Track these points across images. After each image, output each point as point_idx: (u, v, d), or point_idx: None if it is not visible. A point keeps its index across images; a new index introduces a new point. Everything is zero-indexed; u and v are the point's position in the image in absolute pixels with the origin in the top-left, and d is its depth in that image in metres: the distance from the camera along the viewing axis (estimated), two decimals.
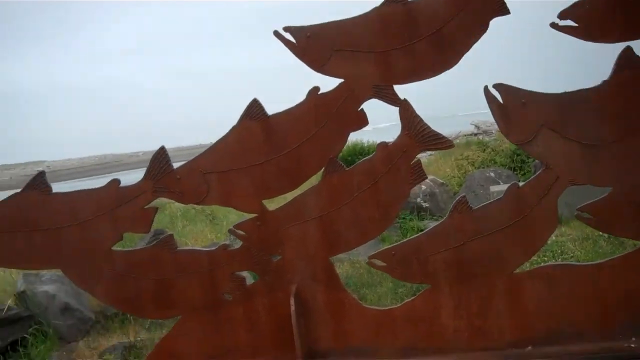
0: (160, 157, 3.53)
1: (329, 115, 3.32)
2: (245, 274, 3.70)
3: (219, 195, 3.49)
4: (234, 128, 3.42)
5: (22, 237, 3.65)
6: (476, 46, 3.25)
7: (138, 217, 3.56)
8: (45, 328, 6.39)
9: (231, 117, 3.47)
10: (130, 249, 3.94)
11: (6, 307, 6.45)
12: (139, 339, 5.99)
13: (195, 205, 14.92)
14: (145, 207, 3.56)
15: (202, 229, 12.05)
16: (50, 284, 6.70)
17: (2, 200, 3.76)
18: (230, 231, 3.60)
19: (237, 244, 3.57)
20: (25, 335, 6.33)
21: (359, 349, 3.44)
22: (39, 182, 3.64)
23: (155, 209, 3.62)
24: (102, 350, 6.01)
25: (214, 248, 3.64)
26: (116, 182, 3.62)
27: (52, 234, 3.63)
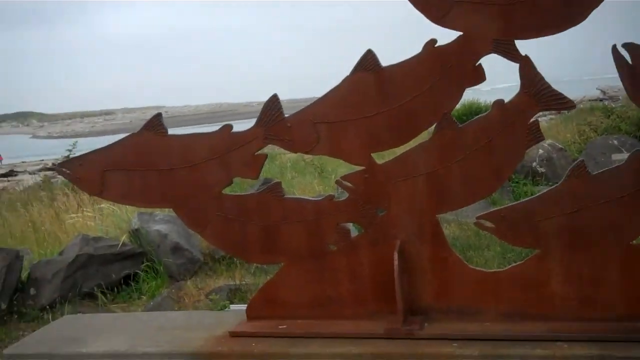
0: (272, 104, 3.56)
1: (445, 69, 3.24)
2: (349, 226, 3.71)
3: (328, 145, 3.50)
4: (346, 79, 3.40)
5: (138, 176, 3.81)
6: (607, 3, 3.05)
7: (249, 163, 3.63)
8: (156, 265, 6.68)
9: (345, 71, 3.45)
10: (239, 193, 4.04)
11: (121, 243, 6.78)
12: (244, 282, 6.16)
13: (304, 157, 15.16)
14: (256, 153, 3.62)
15: (310, 181, 12.21)
16: (162, 223, 6.98)
17: (120, 140, 3.93)
18: (337, 182, 3.61)
19: (344, 197, 3.58)
20: (138, 271, 6.64)
21: (461, 309, 3.40)
22: (155, 123, 3.76)
23: (265, 156, 3.67)
24: (209, 290, 6.24)
25: (320, 198, 3.68)
26: (229, 127, 3.69)
27: (166, 175, 3.76)
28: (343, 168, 13.29)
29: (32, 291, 6.41)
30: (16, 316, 6.19)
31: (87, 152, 4.03)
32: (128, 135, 3.91)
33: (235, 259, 6.75)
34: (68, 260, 6.47)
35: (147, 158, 3.79)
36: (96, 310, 6.19)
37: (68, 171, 3.97)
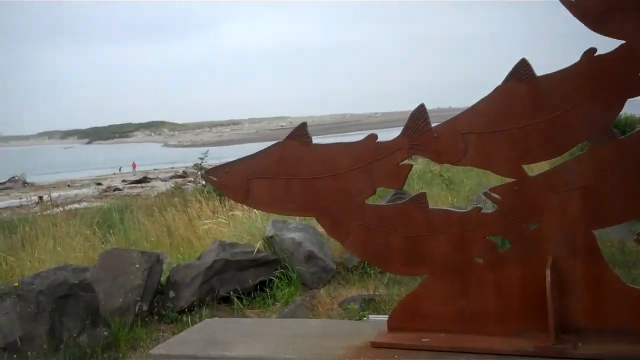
0: (419, 114, 3.55)
1: (605, 79, 3.11)
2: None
3: (478, 156, 3.44)
4: (498, 88, 3.34)
5: (282, 184, 3.89)
6: None
7: (393, 173, 3.62)
8: (289, 273, 6.79)
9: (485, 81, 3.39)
10: (381, 204, 4.04)
11: (256, 250, 6.94)
12: (377, 293, 6.15)
13: (431, 168, 15.02)
14: (401, 163, 3.61)
15: (437, 192, 12.07)
16: (296, 231, 7.10)
17: (265, 148, 4.03)
18: (485, 194, 3.55)
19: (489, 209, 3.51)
20: (272, 278, 6.77)
21: (617, 329, 3.24)
22: (300, 132, 3.84)
23: (410, 166, 3.67)
24: (342, 300, 6.27)
25: (466, 210, 3.62)
26: (373, 137, 3.70)
27: (309, 183, 3.82)
28: (472, 181, 13.08)
29: (171, 294, 6.67)
30: (156, 317, 6.45)
31: (233, 160, 4.16)
32: (273, 144, 4.00)
33: (368, 269, 6.77)
34: (206, 265, 6.69)
35: (291, 166, 3.86)
36: (232, 314, 6.36)
37: (215, 178, 4.12)
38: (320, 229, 7.46)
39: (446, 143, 3.49)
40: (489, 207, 3.74)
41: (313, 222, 7.62)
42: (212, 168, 4.25)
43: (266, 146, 3.97)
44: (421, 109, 3.54)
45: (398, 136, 3.61)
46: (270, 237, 7.12)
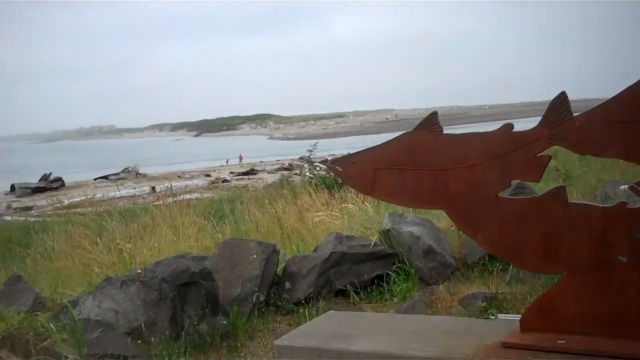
0: (560, 103, 3.40)
1: None
2: None
3: (623, 148, 3.30)
4: None
5: (410, 175, 3.82)
6: None
7: (531, 165, 3.50)
8: (407, 267, 6.69)
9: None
10: (516, 197, 3.90)
11: (372, 243, 6.88)
12: (499, 291, 5.97)
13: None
14: (538, 154, 3.47)
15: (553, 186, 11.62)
16: (414, 225, 7.00)
17: (393, 138, 3.98)
18: (631, 189, 3.36)
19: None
20: (389, 272, 6.70)
21: None
22: (431, 122, 3.76)
23: (549, 157, 3.53)
24: (462, 297, 6.13)
25: (609, 205, 3.44)
26: (509, 126, 3.58)
27: (440, 175, 3.74)
28: (590, 174, 12.54)
29: (287, 285, 6.70)
30: (273, 308, 6.50)
31: (359, 150, 4.12)
32: (402, 134, 3.94)
33: (489, 266, 6.59)
34: (323, 257, 6.68)
35: (421, 157, 3.79)
36: (348, 308, 6.33)
37: (340, 169, 4.09)
38: (439, 223, 7.35)
39: (588, 133, 3.33)
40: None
41: (430, 215, 7.51)
42: (338, 158, 4.23)
43: (383, 138, 3.91)
44: (562, 97, 3.40)
45: (536, 126, 3.48)
46: (387, 230, 7.04)
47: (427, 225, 7.03)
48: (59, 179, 46.55)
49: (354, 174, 4.04)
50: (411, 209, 7.27)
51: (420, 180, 3.79)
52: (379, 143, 4.05)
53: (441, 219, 7.42)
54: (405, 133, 3.90)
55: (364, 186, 4.06)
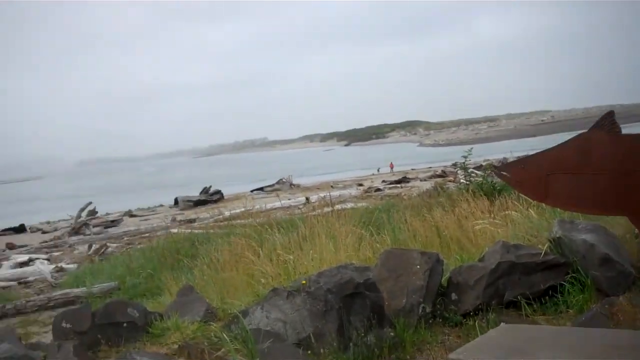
0: None
1: None
2: None
3: None
4: None
5: (587, 180, 3.63)
6: None
7: None
8: (581, 277, 6.38)
9: None
10: None
11: (543, 252, 6.63)
12: None
13: None
14: None
15: None
16: (587, 232, 6.66)
17: (566, 140, 3.81)
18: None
19: None
20: (562, 282, 6.42)
21: None
22: (608, 121, 3.57)
23: None
24: None
25: None
26: None
27: (621, 179, 3.53)
28: None
29: (454, 296, 6.59)
30: (439, 320, 6.41)
31: (528, 154, 3.97)
32: (575, 136, 3.77)
33: None
34: (490, 267, 6.51)
35: (598, 160, 3.60)
36: (520, 320, 6.11)
37: (508, 175, 3.96)
38: (612, 230, 6.95)
39: None
40: None
41: (603, 222, 7.11)
42: (505, 164, 4.12)
43: (541, 142, 3.76)
44: None
45: None
46: (557, 238, 6.75)
47: (600, 232, 6.66)
48: (218, 192, 48.59)
49: (524, 179, 3.89)
50: (580, 214, 6.95)
51: (598, 185, 3.60)
52: (542, 147, 3.88)
53: (615, 225, 7.03)
54: (578, 134, 3.73)
55: (536, 193, 3.89)
